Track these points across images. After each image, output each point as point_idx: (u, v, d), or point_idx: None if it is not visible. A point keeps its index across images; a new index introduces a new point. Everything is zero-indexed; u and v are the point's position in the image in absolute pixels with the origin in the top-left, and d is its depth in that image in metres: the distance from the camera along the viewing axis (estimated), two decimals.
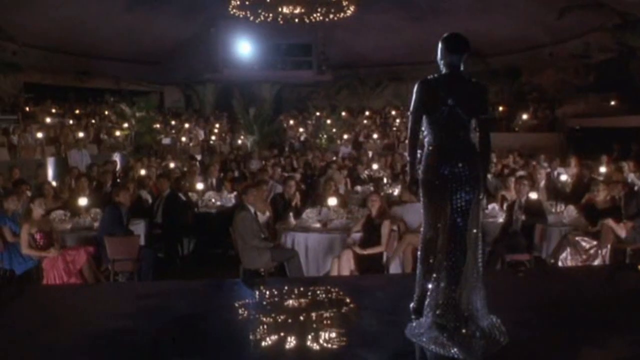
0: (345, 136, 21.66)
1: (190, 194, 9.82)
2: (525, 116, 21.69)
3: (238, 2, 19.70)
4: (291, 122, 24.70)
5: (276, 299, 4.71)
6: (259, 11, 19.79)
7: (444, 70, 3.86)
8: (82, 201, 8.31)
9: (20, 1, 18.35)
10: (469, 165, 3.76)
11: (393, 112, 25.85)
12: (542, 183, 9.90)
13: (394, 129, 22.98)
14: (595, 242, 7.22)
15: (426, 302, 3.74)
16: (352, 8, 20.19)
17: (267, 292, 4.89)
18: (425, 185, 3.86)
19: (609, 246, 7.15)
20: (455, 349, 3.48)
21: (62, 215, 8.16)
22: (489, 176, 11.35)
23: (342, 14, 20.43)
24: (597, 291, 5.13)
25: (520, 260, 7.37)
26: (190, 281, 6.44)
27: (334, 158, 15.18)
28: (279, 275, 7.17)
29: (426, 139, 3.89)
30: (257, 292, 4.93)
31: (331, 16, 20.36)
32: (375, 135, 21.82)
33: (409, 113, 3.94)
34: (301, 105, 27.59)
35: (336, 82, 27.01)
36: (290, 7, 19.68)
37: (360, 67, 26.28)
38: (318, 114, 25.31)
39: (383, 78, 26.46)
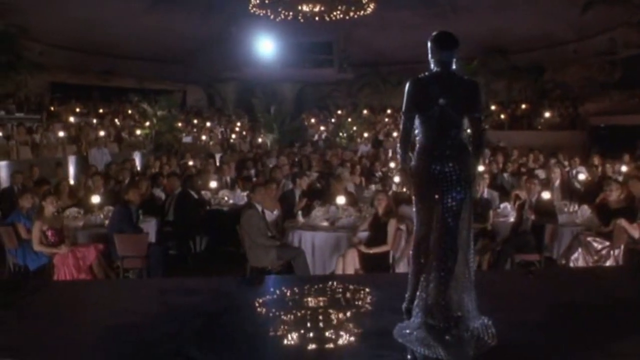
0: (365, 134, 21.59)
1: (203, 192, 9.90)
2: (547, 114, 21.34)
3: (258, 1, 19.76)
4: (312, 120, 24.73)
5: (280, 297, 4.74)
6: (279, 9, 19.82)
7: (435, 69, 3.83)
8: (95, 199, 8.43)
9: (45, 2, 18.72)
10: (460, 164, 3.71)
11: None
12: (557, 182, 9.72)
13: None
14: (607, 243, 7.08)
15: (415, 302, 3.71)
16: (372, 6, 20.12)
17: (272, 290, 4.92)
18: (417, 185, 3.83)
19: (621, 247, 7.01)
20: (442, 350, 3.44)
21: (75, 213, 8.30)
22: (505, 175, 11.26)
23: (362, 12, 20.37)
24: (608, 293, 5.00)
25: (530, 260, 7.27)
26: (197, 278, 6.52)
27: (353, 156, 15.12)
28: (286, 274, 7.19)
29: (417, 138, 3.85)
30: (262, 290, 4.97)
31: (351, 14, 20.31)
32: (395, 134, 21.68)
33: (401, 113, 3.91)
34: (322, 104, 27.55)
35: (357, 80, 26.86)
36: (310, 5, 19.69)
37: (382, 65, 26.06)
38: (339, 112, 25.27)
39: (404, 76, 26.21)
